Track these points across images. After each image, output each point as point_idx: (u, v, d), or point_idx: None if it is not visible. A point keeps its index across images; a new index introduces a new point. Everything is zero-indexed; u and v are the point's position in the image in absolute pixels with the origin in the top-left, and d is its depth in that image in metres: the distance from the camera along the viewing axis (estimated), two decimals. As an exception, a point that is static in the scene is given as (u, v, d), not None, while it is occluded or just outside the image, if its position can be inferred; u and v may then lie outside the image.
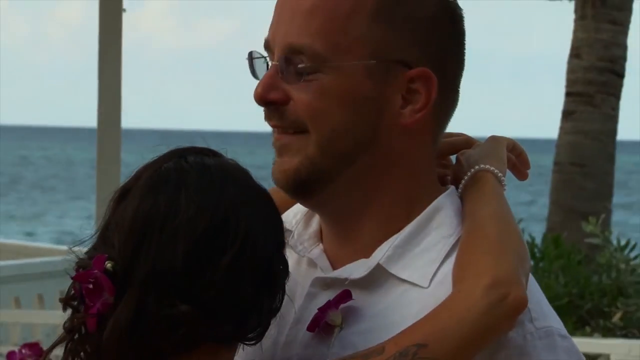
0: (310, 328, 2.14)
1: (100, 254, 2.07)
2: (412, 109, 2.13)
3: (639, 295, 6.45)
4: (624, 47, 8.69)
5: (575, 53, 8.80)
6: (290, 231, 2.23)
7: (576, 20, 8.74)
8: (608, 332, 6.39)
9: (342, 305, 2.13)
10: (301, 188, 2.15)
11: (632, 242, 6.99)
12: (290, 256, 2.16)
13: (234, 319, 2.08)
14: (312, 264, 2.23)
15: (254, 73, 2.17)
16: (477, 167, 2.22)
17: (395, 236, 2.15)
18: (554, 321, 2.14)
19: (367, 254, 2.17)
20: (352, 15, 2.11)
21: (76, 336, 2.08)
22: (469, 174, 2.23)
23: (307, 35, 2.11)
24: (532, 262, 6.70)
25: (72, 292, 2.07)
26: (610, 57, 8.73)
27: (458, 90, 2.21)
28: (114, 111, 10.30)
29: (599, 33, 8.66)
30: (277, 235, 2.12)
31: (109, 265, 2.02)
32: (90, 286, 2.03)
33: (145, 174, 2.12)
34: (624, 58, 8.74)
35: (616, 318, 6.51)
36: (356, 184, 2.17)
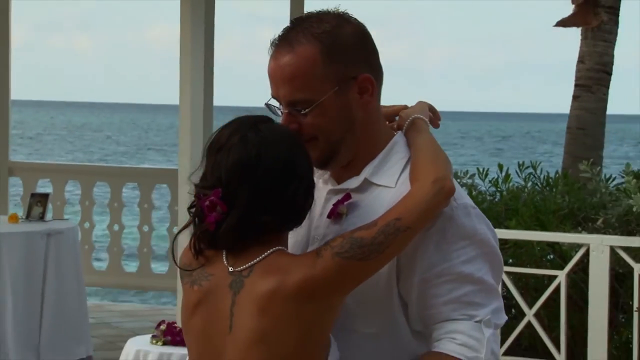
0: (329, 216, 2.28)
1: (210, 184, 2.17)
2: (367, 95, 2.27)
3: (614, 208, 6.67)
4: (611, 56, 9.78)
5: (581, 60, 9.72)
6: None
7: (581, 40, 9.74)
8: (594, 231, 6.54)
9: (346, 202, 2.27)
10: (322, 165, 2.30)
11: (611, 175, 7.28)
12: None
13: (293, 220, 2.21)
14: (325, 182, 2.35)
15: (274, 113, 2.29)
16: (413, 116, 2.36)
17: (372, 161, 2.30)
18: (468, 200, 2.29)
19: (357, 173, 2.30)
20: (313, 70, 2.21)
21: (197, 230, 2.19)
22: (408, 121, 2.37)
23: (296, 92, 2.22)
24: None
25: (194, 206, 2.19)
26: (602, 62, 9.68)
27: (382, 71, 2.32)
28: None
29: (596, 47, 9.68)
30: (312, 170, 2.24)
31: (221, 194, 2.15)
32: (208, 203, 2.14)
33: (234, 135, 2.19)
34: (611, 63, 9.77)
35: (599, 222, 6.66)
36: (350, 149, 2.29)
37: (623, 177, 6.90)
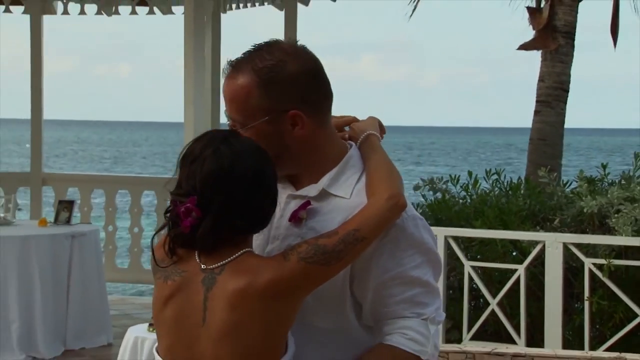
0: (290, 219, 2.27)
1: (185, 192, 2.15)
2: (298, 128, 2.24)
3: (568, 210, 6.71)
4: (568, 75, 9.89)
5: (542, 79, 9.83)
6: None
7: (541, 61, 9.86)
8: (551, 229, 6.58)
9: (306, 208, 2.26)
10: None
11: (567, 180, 7.33)
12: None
13: (261, 224, 2.21)
14: (283, 186, 2.31)
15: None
16: (367, 132, 2.34)
17: (330, 173, 2.28)
18: (415, 212, 2.29)
19: (315, 182, 2.28)
20: (248, 98, 2.21)
21: (172, 232, 2.17)
22: (362, 136, 2.34)
23: (233, 112, 2.24)
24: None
25: (170, 211, 2.18)
26: (560, 81, 9.80)
27: (329, 102, 2.29)
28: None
29: (554, 68, 9.76)
30: (277, 180, 2.23)
31: (196, 202, 2.13)
32: (183, 209, 2.13)
33: (207, 149, 2.16)
34: (568, 81, 9.88)
35: (556, 222, 6.68)
36: (289, 167, 2.28)
37: (577, 182, 6.91)
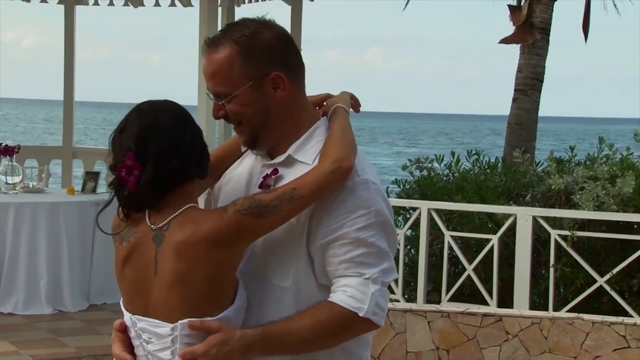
0: (260, 187, 2.23)
1: (122, 157, 2.12)
2: (280, 91, 2.18)
3: (539, 187, 6.71)
4: (543, 67, 9.80)
5: (519, 70, 9.75)
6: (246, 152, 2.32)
7: (520, 54, 9.78)
8: (523, 204, 6.58)
9: (274, 176, 2.22)
10: (251, 145, 2.25)
11: (539, 161, 7.42)
12: (253, 157, 2.29)
13: (196, 165, 2.17)
14: (262, 159, 2.27)
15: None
16: (336, 105, 2.28)
17: (297, 141, 2.22)
18: (371, 176, 2.19)
19: (285, 151, 2.22)
20: (231, 67, 2.16)
21: (121, 197, 2.14)
22: (332, 108, 2.28)
23: (217, 86, 2.18)
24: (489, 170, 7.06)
25: (112, 182, 2.15)
26: (536, 72, 9.69)
27: (302, 69, 2.24)
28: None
29: (531, 60, 9.70)
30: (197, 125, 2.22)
31: (133, 156, 2.12)
32: (124, 169, 2.11)
33: (131, 115, 2.16)
34: (543, 72, 9.78)
35: (527, 198, 6.72)
36: (271, 133, 2.22)
37: (547, 162, 6.92)
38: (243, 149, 2.30)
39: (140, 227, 2.14)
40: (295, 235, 2.14)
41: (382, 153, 53.55)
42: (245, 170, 2.29)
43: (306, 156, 2.19)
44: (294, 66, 2.21)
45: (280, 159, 2.22)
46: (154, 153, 2.10)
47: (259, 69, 2.16)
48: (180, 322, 2.06)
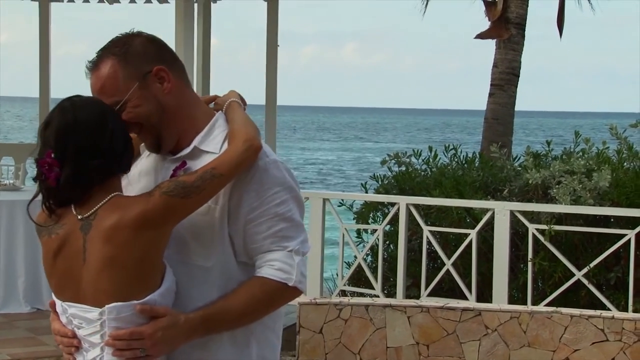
0: (170, 177, 2.26)
1: (46, 150, 2.17)
2: (166, 83, 2.27)
3: (516, 181, 6.73)
4: (519, 62, 9.90)
5: (495, 65, 9.89)
6: (147, 153, 2.37)
7: (496, 49, 9.85)
8: (501, 199, 6.64)
9: (183, 168, 2.28)
10: (156, 149, 2.32)
11: (516, 155, 7.48)
12: (152, 156, 2.34)
13: (118, 163, 2.21)
14: (164, 158, 2.33)
15: None
16: (230, 100, 2.38)
17: (200, 133, 2.30)
18: (277, 157, 2.32)
19: (188, 145, 2.29)
20: (115, 76, 2.24)
21: (44, 191, 2.19)
22: (226, 103, 2.37)
23: (109, 97, 2.24)
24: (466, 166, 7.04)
25: (38, 173, 2.19)
26: (512, 67, 9.82)
27: (182, 65, 2.33)
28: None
29: (507, 55, 9.77)
30: (123, 124, 2.23)
31: (52, 155, 2.16)
32: (46, 166, 2.16)
33: (55, 111, 2.21)
34: (519, 67, 9.88)
35: (505, 192, 6.74)
36: (171, 131, 2.29)
37: (524, 156, 6.94)
38: (143, 151, 2.37)
39: (68, 219, 2.18)
40: (214, 217, 2.23)
41: (360, 147, 53.52)
42: (149, 168, 2.34)
43: (212, 146, 2.28)
44: (172, 61, 2.30)
45: (186, 151, 2.29)
46: (73, 152, 2.15)
47: (140, 68, 2.25)
48: (107, 306, 2.12)
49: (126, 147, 2.22)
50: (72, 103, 2.19)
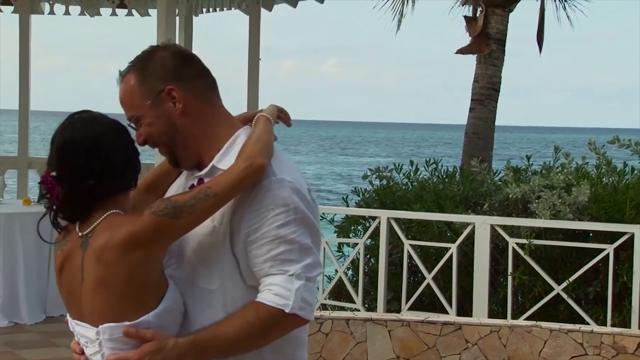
0: None
1: (49, 170, 2.19)
2: (178, 104, 2.22)
3: (497, 195, 6.74)
4: (499, 77, 9.98)
5: (476, 80, 9.94)
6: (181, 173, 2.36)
7: (476, 64, 9.95)
8: (481, 213, 6.62)
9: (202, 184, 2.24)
10: (175, 165, 2.29)
11: (497, 170, 7.46)
12: (186, 173, 2.32)
13: (119, 182, 2.20)
14: (192, 173, 2.29)
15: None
16: (259, 114, 2.31)
17: (221, 151, 2.24)
18: (288, 176, 2.20)
19: (209, 163, 2.24)
20: (132, 91, 2.22)
21: (52, 209, 2.20)
22: (255, 118, 2.30)
23: (127, 111, 2.25)
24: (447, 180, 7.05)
25: (41, 190, 2.20)
26: (492, 82, 9.91)
27: (206, 82, 2.27)
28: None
29: (487, 70, 9.84)
30: (129, 142, 2.23)
31: (52, 174, 2.17)
32: (49, 184, 2.17)
33: (59, 128, 2.22)
34: (499, 83, 9.94)
35: (485, 206, 6.74)
36: (186, 149, 2.25)
37: (504, 171, 6.95)
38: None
39: (72, 235, 2.19)
40: (218, 238, 2.16)
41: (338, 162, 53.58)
42: (180, 185, 2.32)
43: (226, 163, 2.20)
44: (191, 79, 2.23)
45: (205, 170, 2.24)
46: (68, 173, 2.14)
47: (154, 86, 2.21)
48: (101, 326, 2.11)
49: (127, 165, 2.19)
50: (72, 121, 2.18)
